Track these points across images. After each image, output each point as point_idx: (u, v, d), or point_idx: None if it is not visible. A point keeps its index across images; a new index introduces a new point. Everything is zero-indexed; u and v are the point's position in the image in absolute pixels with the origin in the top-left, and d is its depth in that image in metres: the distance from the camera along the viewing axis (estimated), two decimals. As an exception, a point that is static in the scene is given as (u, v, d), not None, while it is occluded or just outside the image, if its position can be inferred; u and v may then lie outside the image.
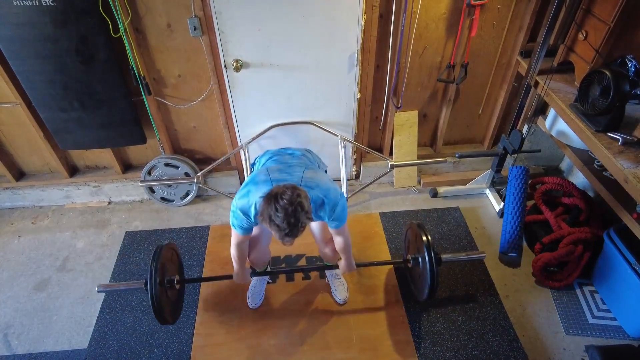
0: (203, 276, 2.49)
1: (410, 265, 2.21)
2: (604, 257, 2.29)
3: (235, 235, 1.79)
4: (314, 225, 2.05)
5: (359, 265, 2.14)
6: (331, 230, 1.84)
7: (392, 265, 2.51)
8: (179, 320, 2.26)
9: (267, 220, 1.42)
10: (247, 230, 1.74)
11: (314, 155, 2.09)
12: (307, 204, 1.45)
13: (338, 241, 1.92)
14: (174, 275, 2.10)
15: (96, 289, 2.10)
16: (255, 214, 1.60)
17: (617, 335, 2.18)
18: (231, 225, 1.74)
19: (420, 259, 2.08)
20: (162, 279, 1.92)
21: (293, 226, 1.41)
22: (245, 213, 1.63)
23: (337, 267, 2.16)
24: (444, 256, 2.09)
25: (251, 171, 2.15)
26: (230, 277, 2.08)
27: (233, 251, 1.89)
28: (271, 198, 1.41)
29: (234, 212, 1.67)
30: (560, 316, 2.28)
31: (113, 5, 2.08)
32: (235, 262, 1.96)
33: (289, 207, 1.38)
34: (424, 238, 2.00)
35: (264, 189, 1.55)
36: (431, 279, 1.95)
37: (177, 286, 2.12)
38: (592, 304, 2.33)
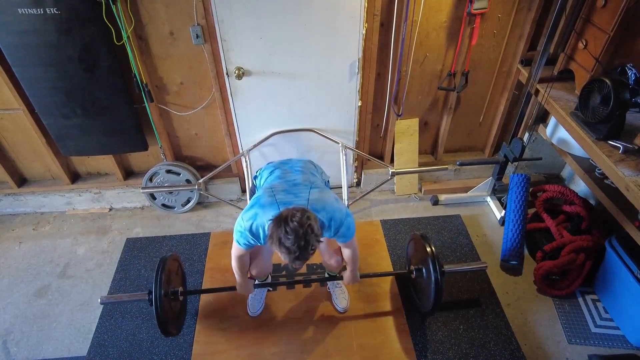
0: (203, 282, 2.49)
1: (413, 276, 2.22)
2: (606, 265, 2.28)
3: (236, 249, 1.79)
4: None
5: (362, 276, 2.13)
6: (339, 243, 1.87)
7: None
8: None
9: (277, 243, 1.43)
10: (250, 247, 1.75)
11: (316, 167, 2.08)
12: (317, 226, 1.46)
13: (346, 253, 1.94)
14: (178, 287, 2.11)
15: (98, 300, 2.09)
16: (265, 236, 1.61)
17: (620, 345, 2.17)
18: (235, 241, 1.74)
19: (424, 271, 2.08)
20: (166, 290, 1.94)
21: (303, 249, 1.41)
22: (255, 235, 1.65)
23: (340, 278, 2.15)
24: (447, 267, 2.09)
25: (253, 184, 2.15)
26: (233, 288, 2.08)
27: (234, 263, 1.89)
28: (281, 221, 1.42)
29: (242, 233, 1.66)
30: (562, 325, 2.26)
31: (116, 14, 2.10)
32: (237, 274, 1.96)
33: (300, 229, 1.39)
34: (429, 249, 2.00)
35: (271, 212, 1.57)
36: (436, 291, 1.94)
37: (181, 298, 2.13)
38: (595, 312, 2.31)
